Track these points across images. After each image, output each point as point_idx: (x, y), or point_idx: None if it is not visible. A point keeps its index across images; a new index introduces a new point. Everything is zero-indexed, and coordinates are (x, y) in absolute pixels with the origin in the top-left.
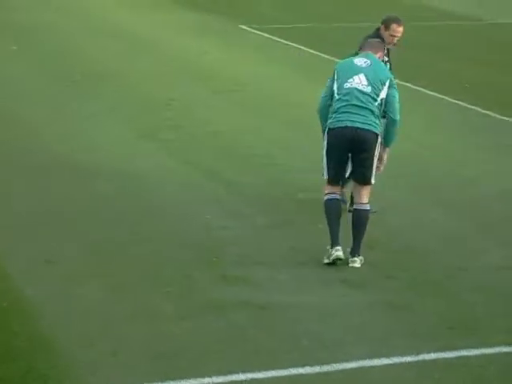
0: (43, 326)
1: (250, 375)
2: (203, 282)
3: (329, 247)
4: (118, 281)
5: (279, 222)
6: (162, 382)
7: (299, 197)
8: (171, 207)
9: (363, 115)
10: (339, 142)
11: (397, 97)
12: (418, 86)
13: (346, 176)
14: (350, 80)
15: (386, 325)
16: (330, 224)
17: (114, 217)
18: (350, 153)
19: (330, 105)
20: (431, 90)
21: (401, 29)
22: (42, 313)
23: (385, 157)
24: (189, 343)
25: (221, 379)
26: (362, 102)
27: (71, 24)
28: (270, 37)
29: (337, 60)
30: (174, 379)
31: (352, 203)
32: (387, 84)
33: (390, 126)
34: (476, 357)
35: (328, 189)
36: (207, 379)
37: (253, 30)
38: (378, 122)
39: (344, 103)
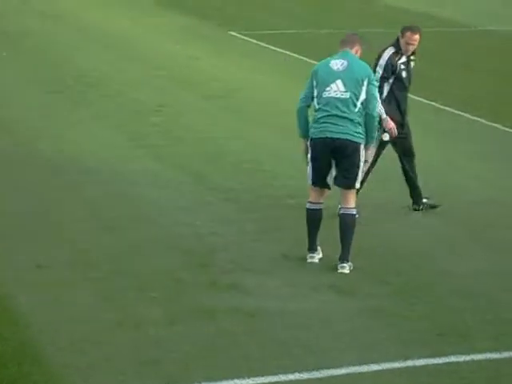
0: (33, 333)
1: (239, 381)
2: (193, 288)
3: (307, 250)
4: (108, 286)
5: (269, 228)
6: None
7: (288, 203)
8: (160, 213)
9: (342, 125)
10: (321, 152)
11: (375, 93)
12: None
13: (330, 183)
14: (328, 89)
15: (376, 331)
16: (308, 231)
17: (104, 222)
18: (333, 159)
19: (309, 106)
20: (420, 96)
21: (416, 37)
22: (33, 319)
23: (369, 152)
24: (178, 349)
25: None
26: (341, 111)
27: (61, 31)
28: (259, 43)
29: None
30: None
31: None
32: (366, 82)
33: (368, 122)
34: (465, 363)
35: (312, 197)
36: None
37: (242, 36)
38: (358, 130)
39: (324, 113)
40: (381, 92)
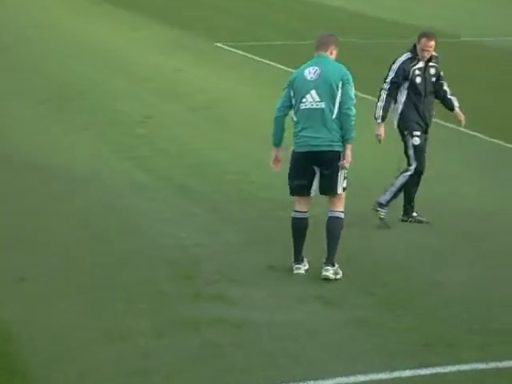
0: (20, 344)
1: None
2: (178, 299)
3: (292, 261)
4: (92, 299)
5: (254, 240)
6: None
7: (274, 214)
8: (146, 224)
9: (321, 137)
10: (304, 164)
11: (351, 93)
12: None
13: (313, 192)
14: (304, 100)
15: (362, 342)
16: (294, 240)
17: (89, 234)
18: (316, 168)
19: (286, 115)
20: None
21: (431, 43)
22: (14, 333)
23: (347, 152)
24: (163, 360)
25: None
26: (318, 122)
27: (47, 42)
28: (245, 54)
29: None
30: None
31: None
32: (340, 84)
33: (344, 122)
34: (452, 373)
35: (297, 206)
36: None
37: (228, 48)
38: (337, 137)
39: (304, 125)
40: (398, 96)
